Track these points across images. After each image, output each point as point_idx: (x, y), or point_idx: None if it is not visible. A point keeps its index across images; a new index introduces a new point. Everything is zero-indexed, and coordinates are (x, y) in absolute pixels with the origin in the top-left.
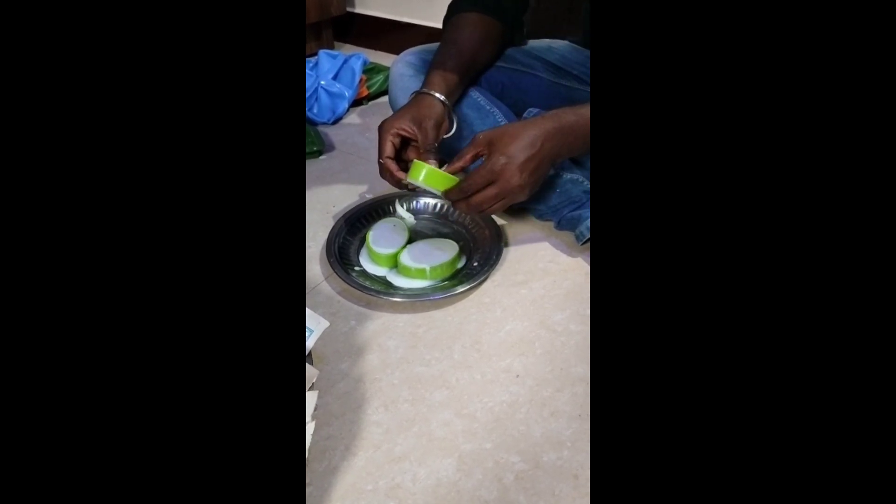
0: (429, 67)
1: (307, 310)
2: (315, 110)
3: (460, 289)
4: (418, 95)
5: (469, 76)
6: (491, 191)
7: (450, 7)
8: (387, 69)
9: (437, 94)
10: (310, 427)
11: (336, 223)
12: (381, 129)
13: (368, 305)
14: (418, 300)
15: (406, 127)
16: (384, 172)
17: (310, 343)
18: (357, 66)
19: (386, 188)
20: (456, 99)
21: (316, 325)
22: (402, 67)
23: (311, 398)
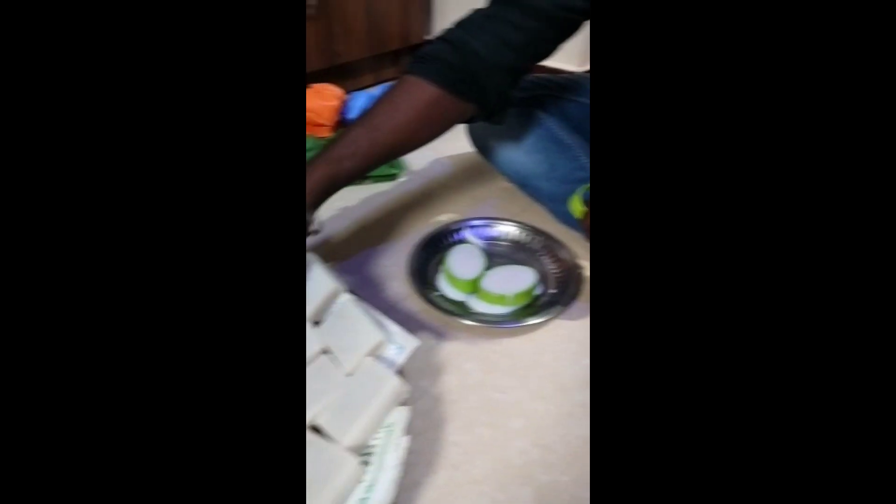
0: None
1: (397, 326)
2: None
3: (533, 320)
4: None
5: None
6: None
7: (412, 60)
8: None
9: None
10: (403, 442)
11: (415, 245)
12: None
13: (445, 327)
14: (494, 326)
15: None
16: None
17: (401, 360)
18: None
19: (459, 214)
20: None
21: (407, 343)
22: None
23: (404, 414)
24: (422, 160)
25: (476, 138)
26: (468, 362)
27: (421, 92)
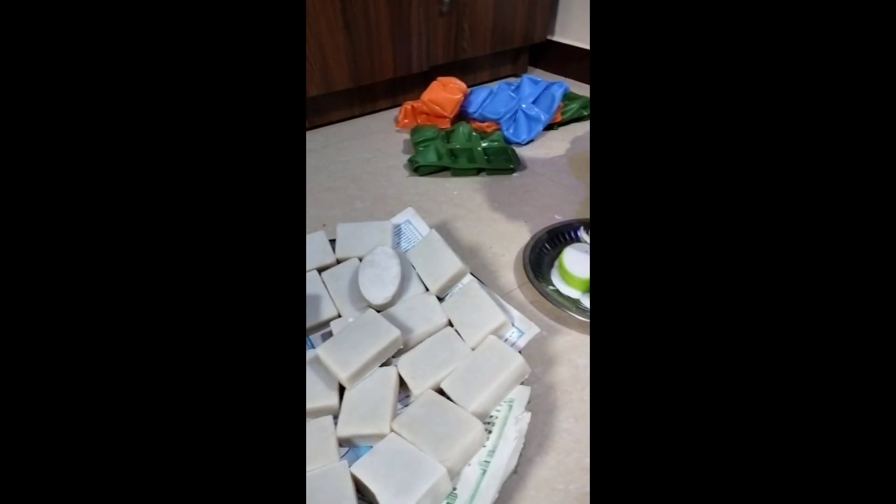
0: None
1: (518, 312)
2: (512, 131)
3: None
4: None
5: None
6: None
7: None
8: (581, 98)
9: None
10: (527, 417)
11: (531, 239)
12: None
13: (557, 320)
14: None
15: None
16: None
17: (521, 343)
18: (558, 93)
19: (573, 212)
20: None
21: (527, 329)
22: None
23: (525, 393)
24: (535, 156)
25: None
26: (581, 358)
27: None
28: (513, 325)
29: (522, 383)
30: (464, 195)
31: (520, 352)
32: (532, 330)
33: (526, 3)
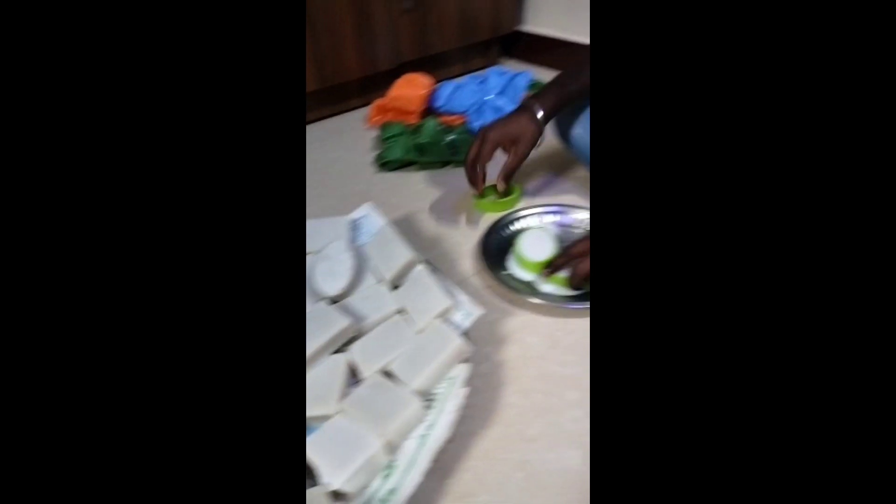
0: (558, 76)
1: (466, 296)
2: (479, 123)
3: None
4: (523, 107)
5: (582, 93)
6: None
7: None
8: None
9: (539, 111)
10: (463, 391)
11: (489, 226)
12: (485, 136)
13: (511, 303)
14: (558, 305)
15: (506, 143)
16: (473, 177)
17: (467, 324)
18: (522, 83)
19: (533, 200)
20: (556, 111)
21: (472, 311)
22: None
23: (466, 369)
24: None
25: (560, 127)
26: (531, 336)
27: None
28: (460, 308)
29: (467, 361)
30: (430, 188)
31: (465, 332)
32: (477, 311)
33: None
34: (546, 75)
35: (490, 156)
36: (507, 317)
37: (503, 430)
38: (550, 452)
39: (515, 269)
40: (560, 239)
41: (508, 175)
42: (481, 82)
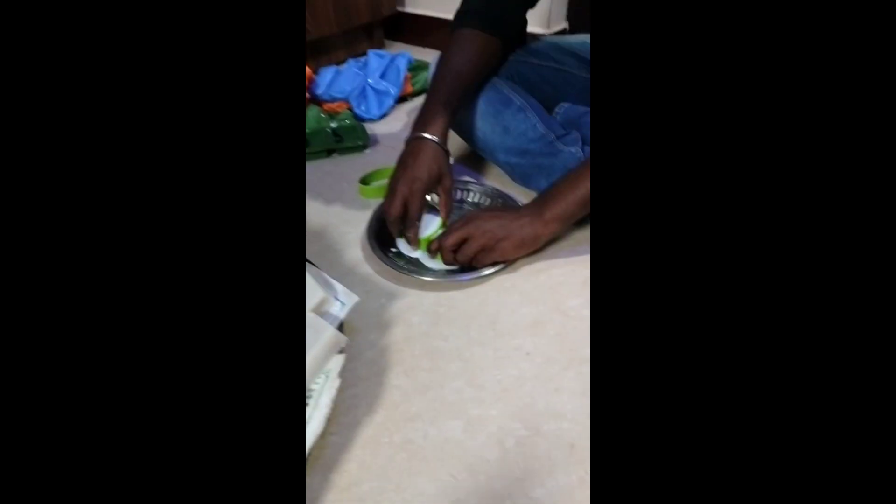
0: (428, 95)
1: (341, 286)
2: (363, 108)
3: (486, 272)
4: (422, 145)
5: (464, 97)
6: (461, 230)
7: (454, 18)
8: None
9: (438, 141)
10: (336, 383)
11: (376, 210)
12: (410, 189)
13: (399, 283)
14: (444, 280)
15: (431, 186)
16: (392, 227)
17: (342, 314)
18: (402, 64)
19: None
20: (449, 130)
21: (348, 300)
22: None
23: (339, 360)
24: (388, 130)
25: (460, 129)
26: (416, 316)
27: (477, 38)
28: (336, 298)
29: (343, 352)
30: (314, 179)
31: (342, 322)
32: (352, 299)
33: None
34: (430, 54)
35: (421, 209)
36: (394, 300)
37: (388, 413)
38: (432, 427)
39: (403, 245)
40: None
41: (450, 212)
42: (362, 66)
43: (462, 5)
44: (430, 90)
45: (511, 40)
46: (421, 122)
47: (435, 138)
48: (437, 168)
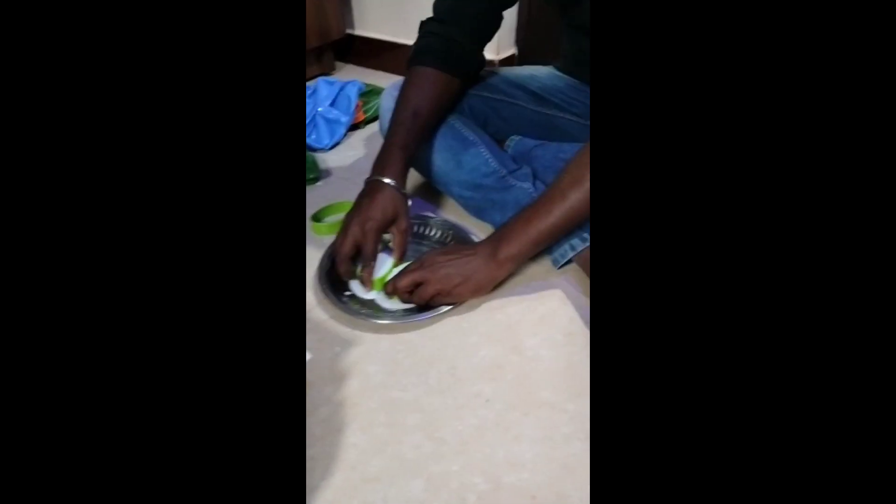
0: (386, 137)
1: None
2: (313, 137)
3: (443, 310)
4: (379, 187)
5: (422, 137)
6: (415, 273)
7: (412, 55)
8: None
9: (395, 185)
10: None
11: (328, 250)
12: (364, 228)
13: (355, 328)
14: (401, 321)
15: (386, 225)
16: (341, 267)
17: None
18: (353, 92)
19: None
20: (407, 172)
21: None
22: (390, 101)
23: None
24: (341, 161)
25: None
26: (372, 365)
27: (434, 77)
28: None
29: None
30: None
31: None
32: (306, 357)
33: (312, 3)
34: (381, 78)
35: (375, 248)
36: (349, 348)
37: (346, 475)
38: (392, 488)
39: (357, 288)
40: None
41: (404, 252)
42: (311, 95)
43: (420, 41)
44: (388, 132)
45: (469, 77)
46: (379, 166)
47: (392, 182)
48: (393, 209)
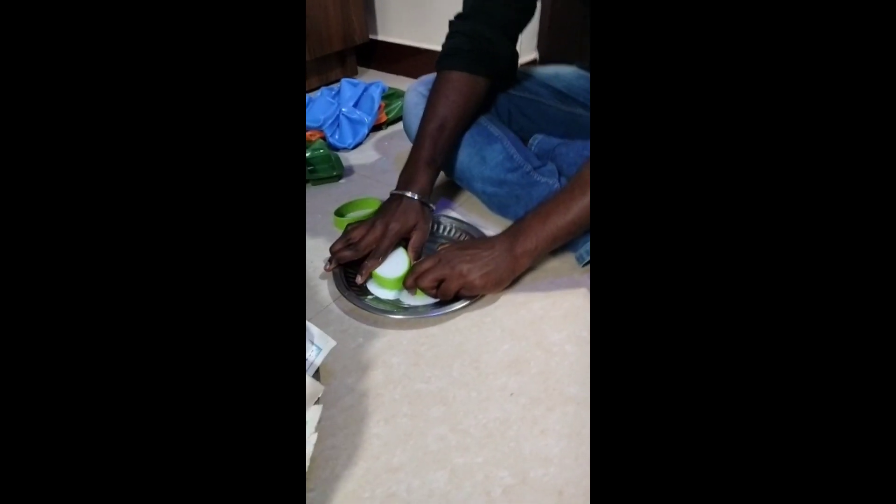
0: (413, 149)
1: (317, 329)
2: (336, 136)
3: (460, 305)
4: (405, 200)
5: (449, 147)
6: (436, 271)
7: (440, 58)
8: (404, 95)
9: (420, 199)
10: (312, 438)
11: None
12: (373, 223)
13: (376, 324)
14: (422, 317)
15: (393, 236)
16: (341, 252)
17: (318, 360)
18: (376, 93)
19: None
20: (433, 185)
21: (324, 344)
22: (414, 97)
23: (316, 412)
24: (363, 160)
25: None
26: (395, 357)
27: (462, 82)
28: (311, 343)
29: (318, 403)
30: None
31: (318, 370)
32: (329, 344)
33: (338, 5)
34: (403, 82)
35: (390, 247)
36: (371, 339)
37: (369, 464)
38: (416, 478)
39: (376, 289)
40: (429, 248)
41: (420, 253)
42: (335, 95)
43: (447, 42)
44: (415, 142)
45: (501, 74)
46: (405, 180)
47: (416, 197)
48: (415, 218)
